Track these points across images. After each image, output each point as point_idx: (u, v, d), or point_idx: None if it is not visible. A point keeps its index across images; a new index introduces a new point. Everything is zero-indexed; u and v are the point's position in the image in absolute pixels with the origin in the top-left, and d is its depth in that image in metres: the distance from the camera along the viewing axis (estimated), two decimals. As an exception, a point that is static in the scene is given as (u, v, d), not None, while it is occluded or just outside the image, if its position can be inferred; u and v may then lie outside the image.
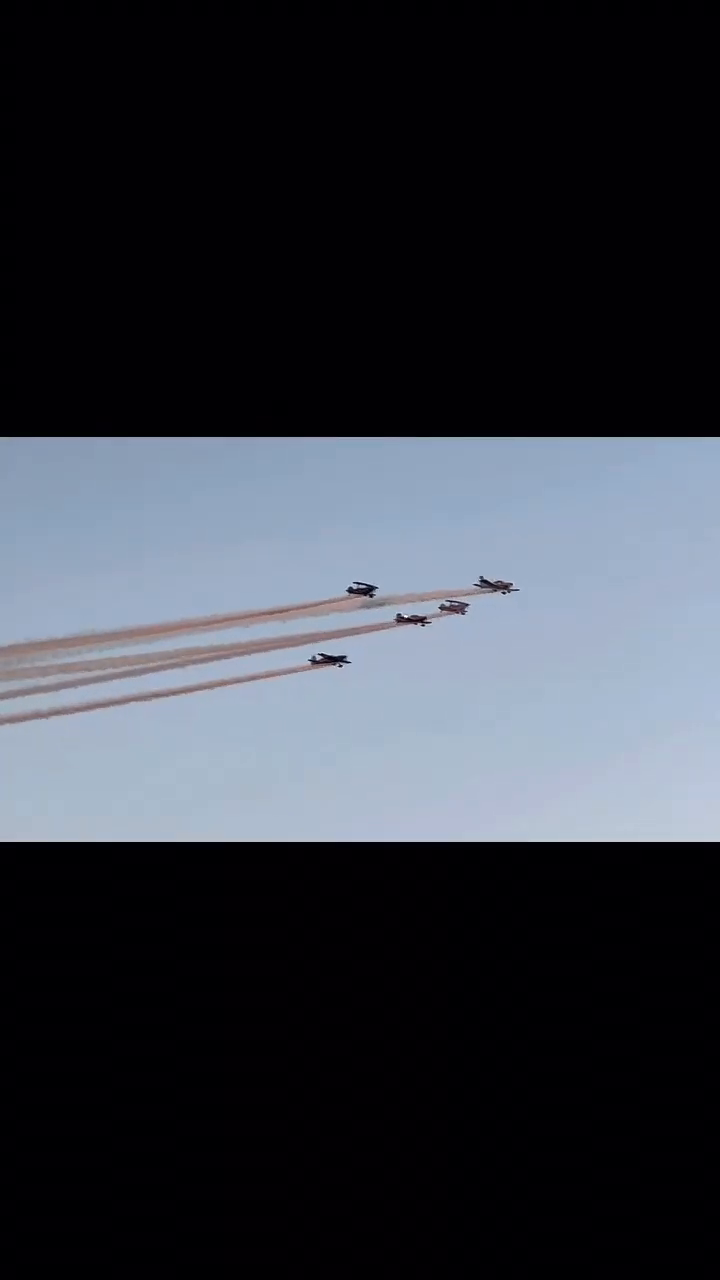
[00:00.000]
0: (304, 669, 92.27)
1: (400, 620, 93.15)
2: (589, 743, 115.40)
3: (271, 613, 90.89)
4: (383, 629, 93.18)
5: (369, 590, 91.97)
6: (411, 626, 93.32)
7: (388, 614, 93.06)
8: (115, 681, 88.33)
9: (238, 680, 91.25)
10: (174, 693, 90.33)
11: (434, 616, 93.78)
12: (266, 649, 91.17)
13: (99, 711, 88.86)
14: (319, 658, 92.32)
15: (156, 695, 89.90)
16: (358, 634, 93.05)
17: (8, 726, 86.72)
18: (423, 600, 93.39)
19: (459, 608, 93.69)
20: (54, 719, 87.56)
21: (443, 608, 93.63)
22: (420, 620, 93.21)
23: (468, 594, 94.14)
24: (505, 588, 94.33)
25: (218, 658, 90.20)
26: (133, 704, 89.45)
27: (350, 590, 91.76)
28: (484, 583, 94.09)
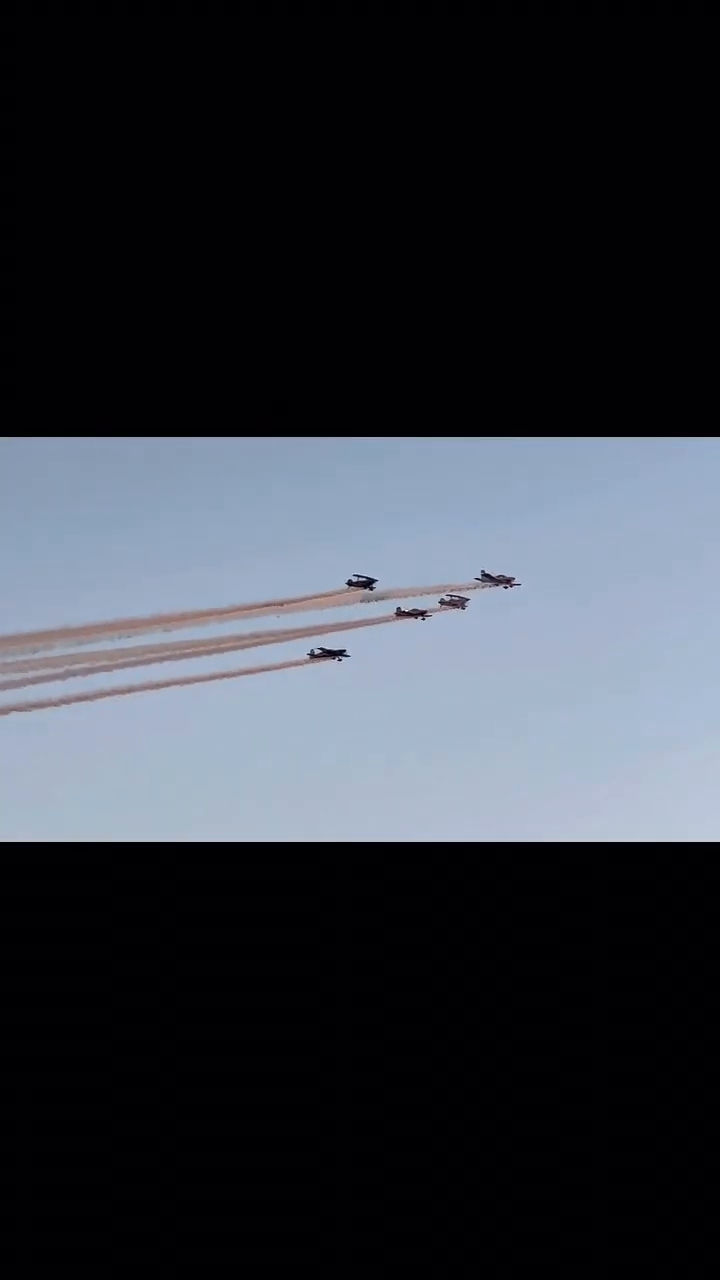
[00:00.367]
0: (302, 663, 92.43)
1: (400, 614, 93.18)
2: (589, 742, 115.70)
3: (270, 605, 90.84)
4: (382, 623, 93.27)
5: (369, 583, 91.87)
6: (411, 620, 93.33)
7: (387, 608, 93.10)
8: (105, 674, 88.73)
9: (234, 674, 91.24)
10: (170, 685, 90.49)
11: (434, 611, 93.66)
12: (264, 643, 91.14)
13: (92, 704, 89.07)
14: (318, 651, 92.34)
15: (152, 688, 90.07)
16: (357, 628, 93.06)
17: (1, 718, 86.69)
18: (423, 594, 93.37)
19: (459, 602, 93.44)
20: (47, 711, 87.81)
21: (442, 602, 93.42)
22: (420, 614, 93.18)
23: (469, 588, 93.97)
24: (508, 582, 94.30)
25: (215, 651, 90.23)
26: (122, 697, 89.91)
27: (350, 583, 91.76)
28: (486, 577, 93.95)
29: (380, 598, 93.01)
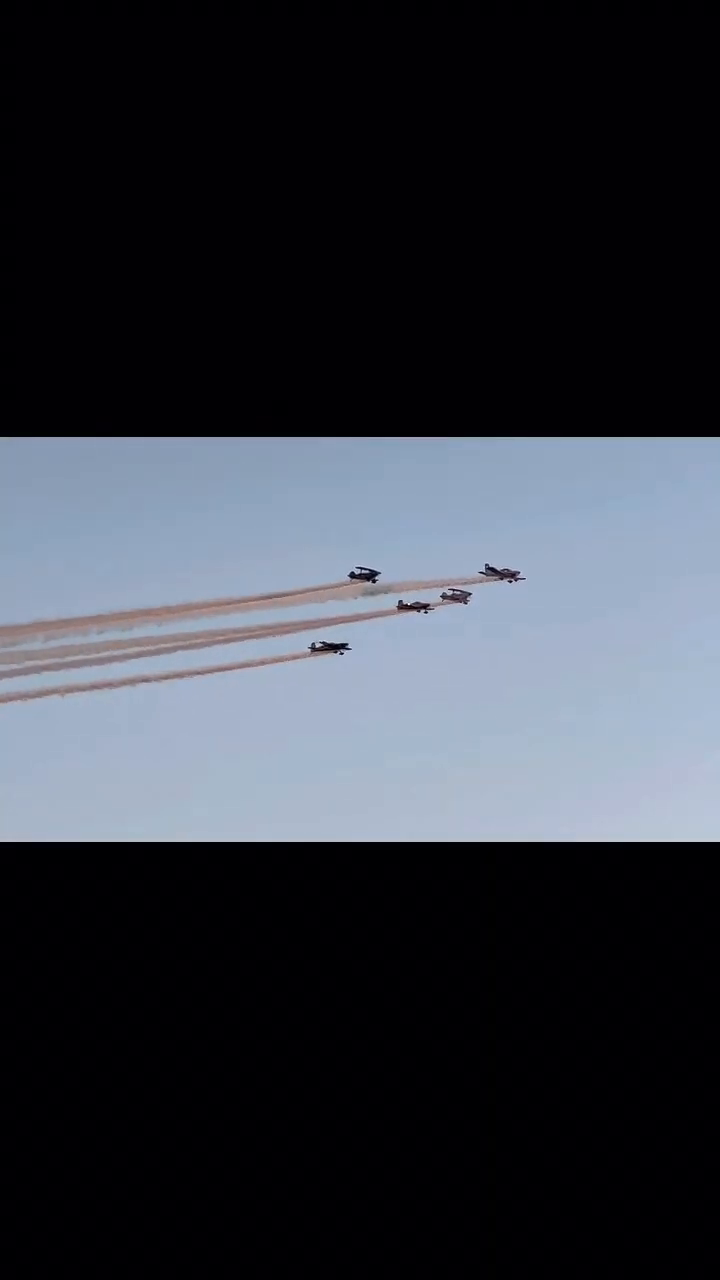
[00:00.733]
0: (303, 656, 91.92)
1: (402, 607, 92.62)
2: (588, 741, 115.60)
3: (270, 598, 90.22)
4: (384, 616, 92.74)
5: (372, 575, 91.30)
6: (413, 614, 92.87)
7: (389, 601, 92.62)
8: (98, 668, 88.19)
9: (232, 667, 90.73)
10: (167, 678, 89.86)
11: (436, 605, 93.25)
12: (264, 635, 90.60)
13: (85, 697, 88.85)
14: (319, 645, 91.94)
15: (147, 681, 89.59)
16: (359, 620, 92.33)
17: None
18: (426, 587, 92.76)
19: (462, 597, 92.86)
20: (44, 701, 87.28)
21: (444, 596, 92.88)
22: (422, 608, 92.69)
23: (473, 582, 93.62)
24: (512, 576, 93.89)
25: (212, 644, 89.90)
26: (115, 690, 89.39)
27: (352, 575, 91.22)
28: (490, 570, 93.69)
29: (383, 591, 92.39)
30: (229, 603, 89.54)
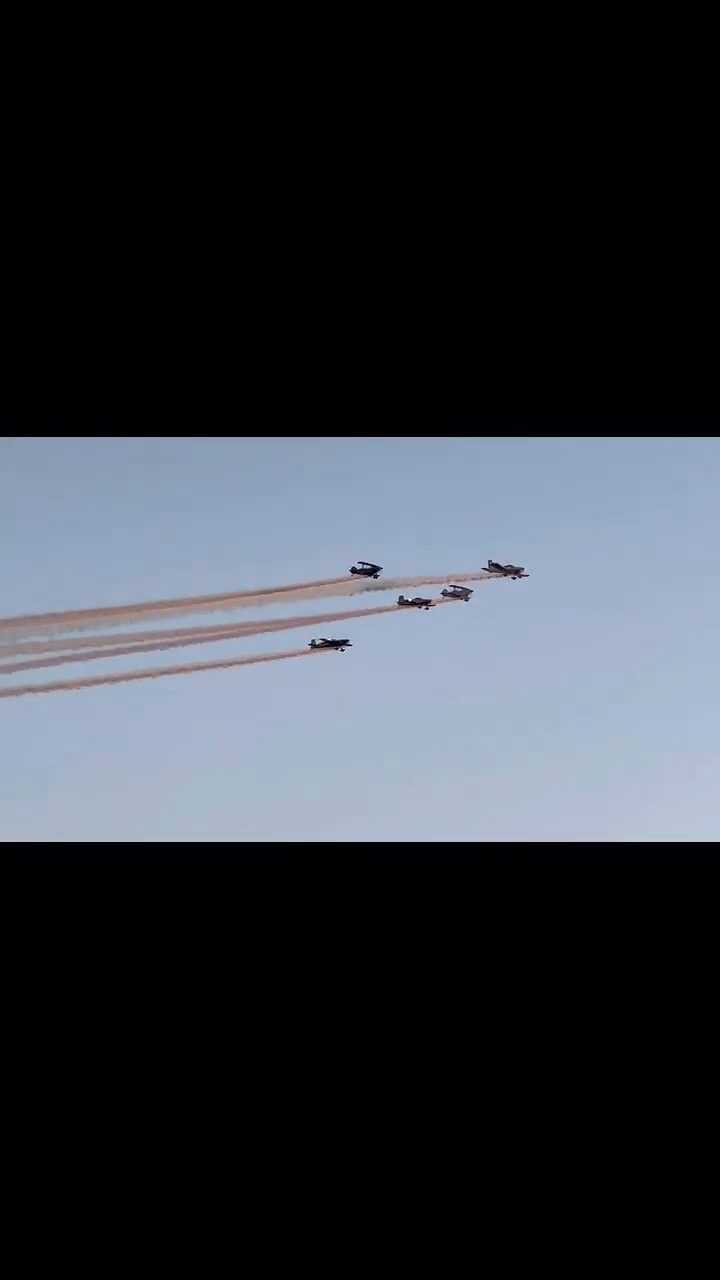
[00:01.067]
0: (303, 653, 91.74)
1: (402, 603, 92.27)
2: (587, 740, 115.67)
3: (269, 592, 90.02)
4: (384, 612, 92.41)
5: (374, 571, 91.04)
6: (414, 610, 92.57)
7: (390, 597, 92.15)
8: (94, 662, 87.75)
9: (230, 663, 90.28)
10: (164, 673, 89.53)
11: (437, 602, 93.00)
12: (262, 630, 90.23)
13: (79, 692, 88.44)
14: (319, 641, 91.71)
15: (144, 676, 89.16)
16: (359, 616, 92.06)
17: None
18: (429, 583, 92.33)
19: (463, 594, 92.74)
20: (40, 696, 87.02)
21: (445, 594, 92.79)
22: (423, 604, 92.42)
23: (477, 578, 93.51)
24: (516, 573, 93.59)
25: (210, 639, 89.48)
26: (112, 685, 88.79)
27: (354, 570, 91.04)
28: (494, 566, 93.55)
29: (384, 586, 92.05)
30: (227, 597, 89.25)
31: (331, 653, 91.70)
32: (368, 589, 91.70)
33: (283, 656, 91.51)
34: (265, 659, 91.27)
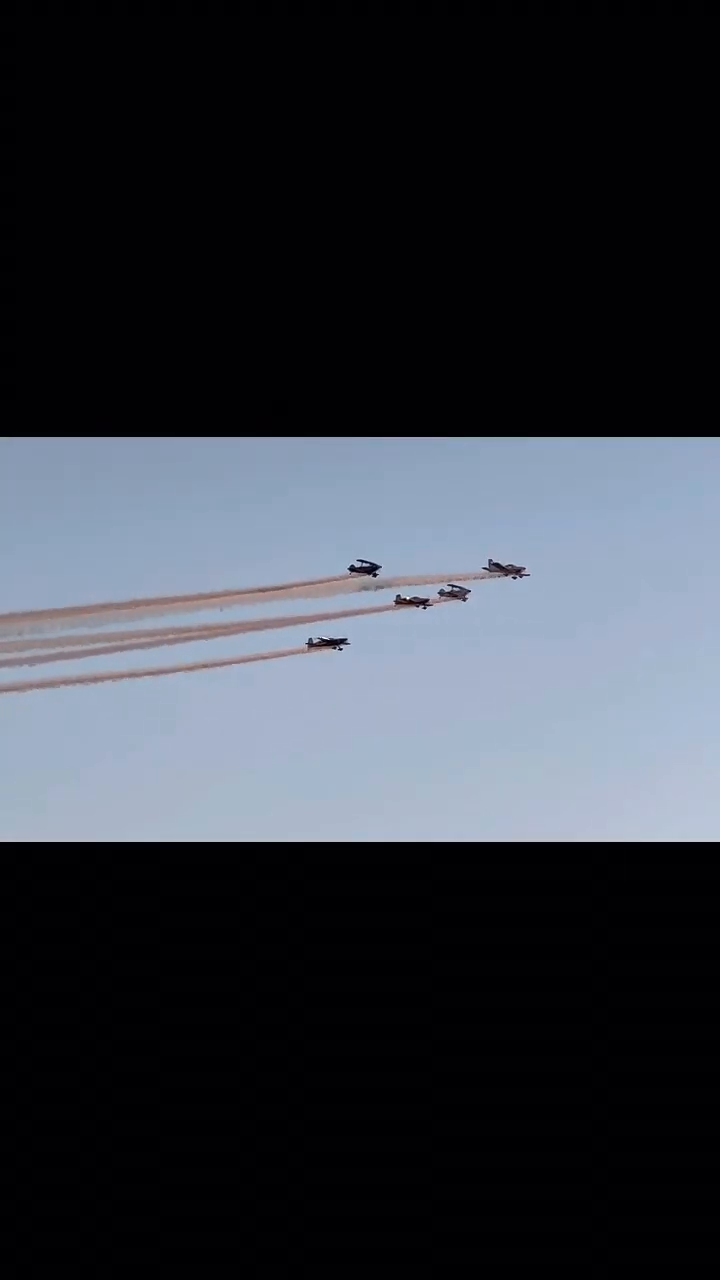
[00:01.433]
0: (300, 652, 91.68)
1: (399, 602, 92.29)
2: (587, 739, 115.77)
3: (265, 591, 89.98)
4: (381, 611, 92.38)
5: (373, 569, 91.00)
6: (411, 609, 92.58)
7: (388, 596, 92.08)
8: (89, 659, 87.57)
9: (227, 662, 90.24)
10: (160, 672, 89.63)
11: (434, 601, 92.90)
12: (259, 629, 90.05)
13: (73, 690, 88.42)
14: (316, 640, 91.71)
15: (139, 675, 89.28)
16: (356, 615, 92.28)
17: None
18: (428, 583, 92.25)
19: (460, 593, 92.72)
20: (34, 694, 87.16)
21: (442, 593, 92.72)
22: (421, 603, 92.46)
23: (477, 577, 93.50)
24: (517, 572, 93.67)
25: (206, 637, 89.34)
26: (111, 684, 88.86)
27: (352, 569, 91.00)
28: (495, 566, 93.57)
29: (382, 585, 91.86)
30: (224, 595, 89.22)
31: (329, 652, 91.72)
32: (366, 588, 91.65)
33: (280, 655, 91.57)
34: (262, 658, 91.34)
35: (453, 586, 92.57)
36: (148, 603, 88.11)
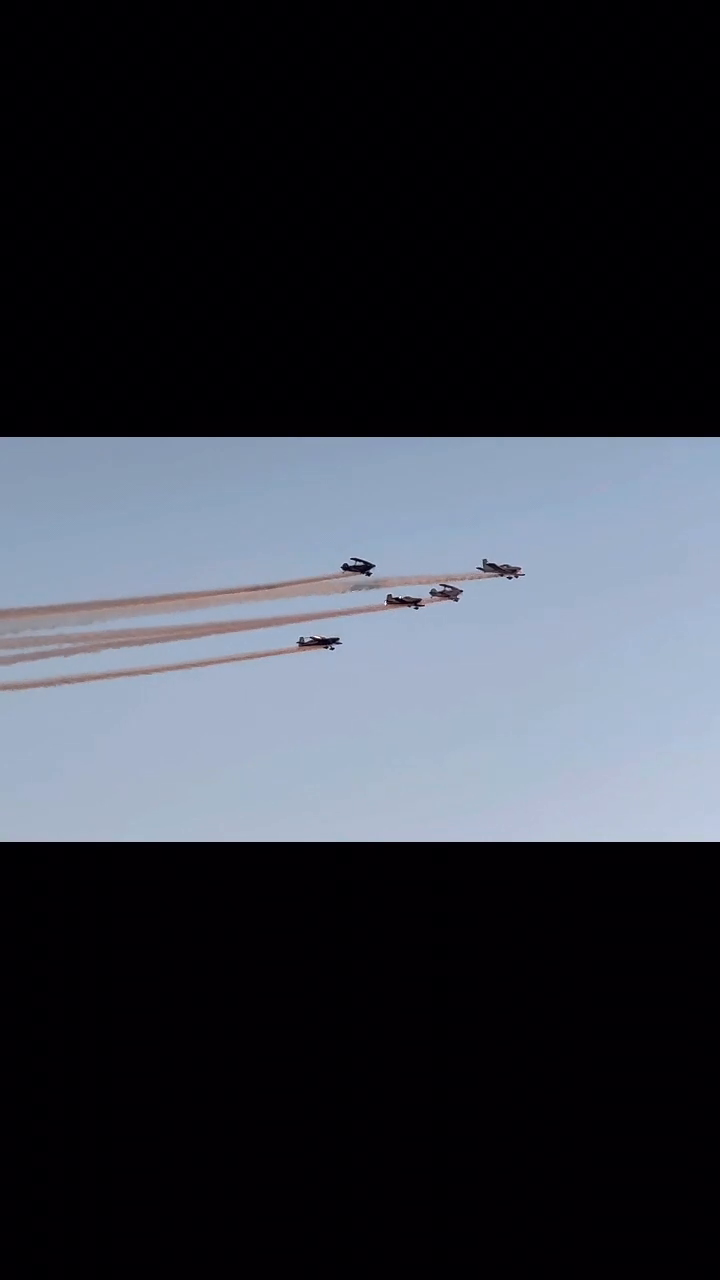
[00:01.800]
0: (291, 651, 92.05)
1: (391, 602, 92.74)
2: (586, 739, 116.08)
3: (256, 589, 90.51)
4: (373, 611, 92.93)
5: (366, 568, 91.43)
6: (403, 609, 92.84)
7: (380, 595, 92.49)
8: (75, 658, 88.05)
9: (216, 661, 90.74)
10: (149, 671, 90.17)
11: (426, 601, 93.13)
12: (250, 628, 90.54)
13: (60, 690, 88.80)
14: (308, 639, 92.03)
15: (127, 674, 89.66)
16: (347, 615, 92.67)
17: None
18: (421, 582, 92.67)
19: (452, 593, 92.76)
20: (24, 692, 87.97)
21: (434, 593, 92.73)
22: (413, 602, 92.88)
23: (472, 577, 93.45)
24: (512, 572, 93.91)
25: (195, 636, 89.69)
26: (96, 683, 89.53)
27: (345, 567, 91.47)
28: (490, 566, 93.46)
29: (375, 585, 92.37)
30: (216, 594, 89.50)
31: (321, 651, 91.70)
32: (358, 587, 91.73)
33: (271, 654, 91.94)
34: (253, 657, 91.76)
35: (445, 586, 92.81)
36: (138, 601, 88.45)
